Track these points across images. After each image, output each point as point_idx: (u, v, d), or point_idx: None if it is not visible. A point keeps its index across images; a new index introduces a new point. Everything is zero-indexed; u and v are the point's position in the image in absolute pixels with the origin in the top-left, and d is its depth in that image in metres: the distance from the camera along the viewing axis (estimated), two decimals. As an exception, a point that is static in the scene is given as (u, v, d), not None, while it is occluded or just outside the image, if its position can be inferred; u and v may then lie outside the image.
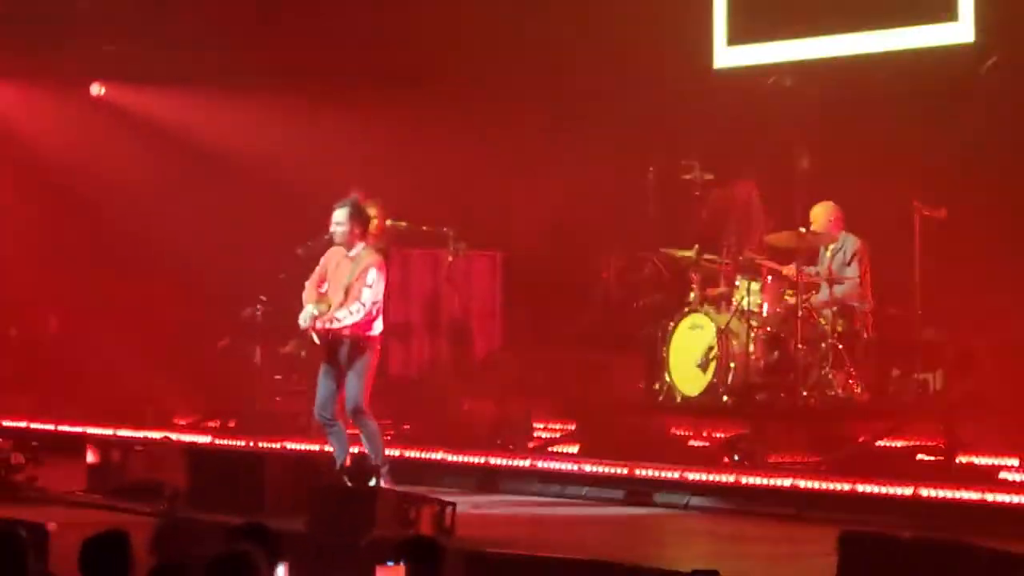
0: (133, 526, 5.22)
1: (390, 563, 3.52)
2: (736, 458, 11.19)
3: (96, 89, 16.97)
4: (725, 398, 11.68)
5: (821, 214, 11.50)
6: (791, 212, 12.05)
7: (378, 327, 10.19)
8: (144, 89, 16.86)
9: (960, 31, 12.75)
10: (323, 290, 10.45)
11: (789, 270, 11.68)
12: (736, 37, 14.18)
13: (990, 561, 6.36)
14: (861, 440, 11.50)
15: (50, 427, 13.99)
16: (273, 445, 12.19)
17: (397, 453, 11.49)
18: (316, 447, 11.81)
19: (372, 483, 9.67)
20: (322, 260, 10.34)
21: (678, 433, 12.73)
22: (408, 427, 12.82)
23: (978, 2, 12.63)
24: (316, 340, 10.49)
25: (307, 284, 10.29)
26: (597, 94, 14.57)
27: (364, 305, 9.97)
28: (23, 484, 11.21)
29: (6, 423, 13.93)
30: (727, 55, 14.11)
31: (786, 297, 11.65)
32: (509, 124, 14.51)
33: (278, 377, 13.71)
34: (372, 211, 10.86)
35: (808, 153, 11.84)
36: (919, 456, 11.46)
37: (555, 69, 14.55)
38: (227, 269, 14.92)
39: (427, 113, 14.75)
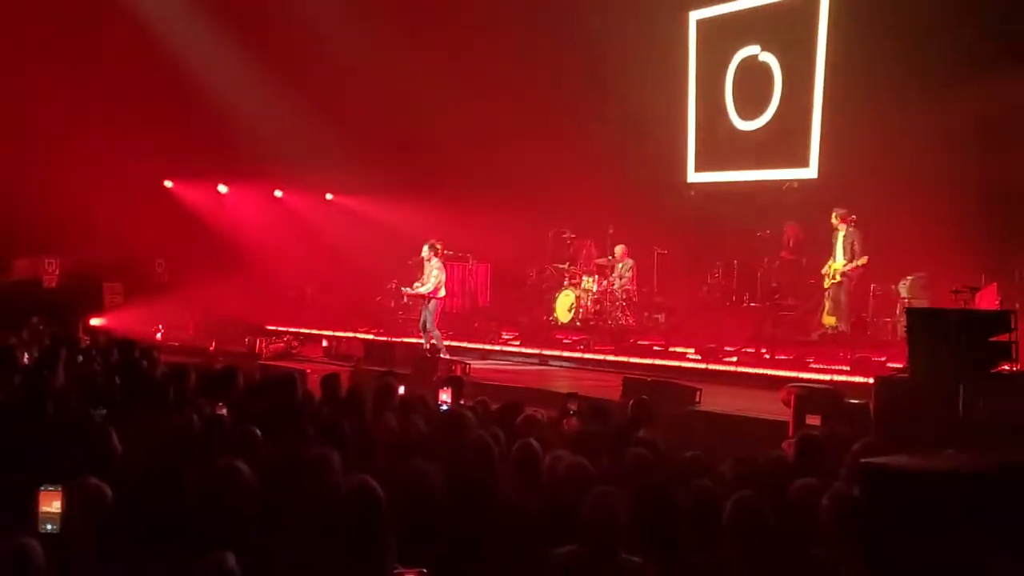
0: (342, 372, 9.38)
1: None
2: (582, 347, 16.98)
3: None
4: (578, 323, 17.87)
5: (619, 250, 17.69)
6: (607, 249, 17.92)
7: (441, 293, 16.00)
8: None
9: (809, 172, 17.18)
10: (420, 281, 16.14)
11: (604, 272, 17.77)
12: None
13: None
14: (632, 340, 16.85)
15: (307, 330, 19.28)
16: (401, 339, 17.49)
17: (447, 343, 16.43)
18: (419, 341, 16.43)
19: (438, 355, 15.19)
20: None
21: (559, 337, 17.85)
22: (451, 332, 17.59)
23: (821, 156, 16.85)
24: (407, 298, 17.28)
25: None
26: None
27: (432, 283, 15.87)
28: (297, 354, 17.30)
29: (291, 328, 19.12)
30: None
31: (603, 283, 17.78)
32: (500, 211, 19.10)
33: (401, 313, 18.99)
34: (436, 246, 16.20)
35: (613, 225, 17.70)
36: (644, 342, 16.68)
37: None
38: (381, 270, 20.04)
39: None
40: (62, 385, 8.52)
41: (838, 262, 15.06)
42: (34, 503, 4.00)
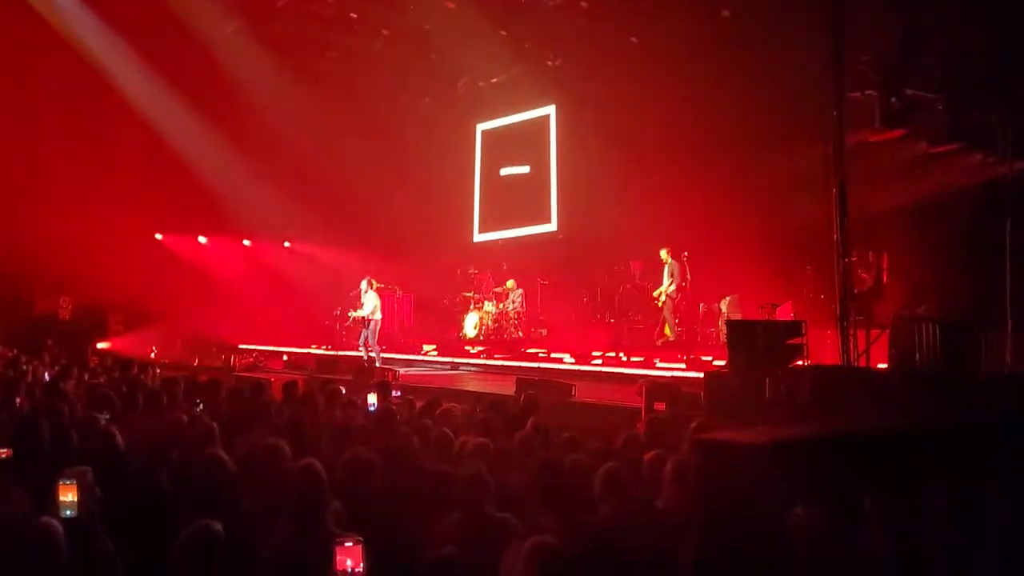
0: (299, 380, 9.29)
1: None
2: (484, 355, 16.75)
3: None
4: (481, 337, 17.84)
5: (511, 282, 17.80)
6: (502, 281, 18.15)
7: (377, 316, 15.60)
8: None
9: (552, 227, 18.15)
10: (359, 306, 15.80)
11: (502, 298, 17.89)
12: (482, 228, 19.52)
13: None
14: (521, 348, 16.40)
15: (271, 347, 19.14)
16: (344, 352, 17.21)
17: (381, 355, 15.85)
18: (358, 353, 15.82)
19: (374, 365, 14.81)
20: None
21: (468, 348, 17.59)
22: (384, 346, 16.85)
23: (560, 215, 17.93)
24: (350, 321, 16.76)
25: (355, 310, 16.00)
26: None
27: (369, 308, 15.53)
28: (263, 366, 17.06)
29: (259, 346, 19.17)
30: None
31: (499, 307, 17.91)
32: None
33: (344, 333, 18.61)
34: (372, 281, 15.85)
35: (506, 262, 18.02)
36: (531, 350, 16.45)
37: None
38: (328, 300, 19.88)
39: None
40: (74, 395, 8.31)
41: (663, 286, 15.23)
42: (54, 492, 3.88)
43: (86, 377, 10.49)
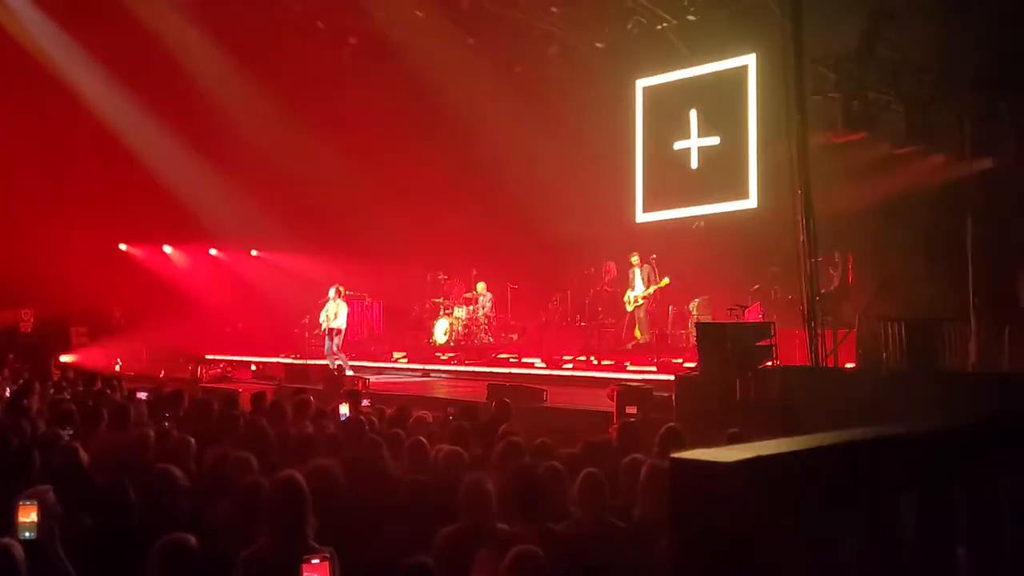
0: (268, 390, 9.27)
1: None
2: (455, 361, 16.62)
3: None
4: (451, 343, 17.56)
5: (480, 286, 17.47)
6: (471, 286, 17.81)
7: (343, 324, 15.46)
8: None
9: (749, 203, 15.19)
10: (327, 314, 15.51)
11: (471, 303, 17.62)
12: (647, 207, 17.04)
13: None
14: (492, 354, 16.50)
15: (238, 357, 18.63)
16: (313, 361, 16.85)
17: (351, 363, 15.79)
18: (327, 362, 15.42)
19: (344, 372, 14.76)
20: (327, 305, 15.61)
21: (438, 355, 17.41)
22: (354, 354, 16.83)
23: (759, 188, 14.99)
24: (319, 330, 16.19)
25: (322, 313, 15.63)
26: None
27: (342, 318, 15.38)
28: (231, 377, 16.73)
29: (226, 356, 18.56)
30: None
31: (469, 311, 17.63)
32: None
33: (313, 341, 18.18)
34: (340, 289, 15.74)
35: (476, 267, 18.01)
36: (502, 355, 16.27)
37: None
38: (296, 309, 19.67)
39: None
40: (37, 411, 8.12)
41: (637, 291, 15.21)
42: (14, 514, 3.82)
43: (50, 391, 10.25)
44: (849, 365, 9.72)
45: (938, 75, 11.69)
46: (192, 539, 3.53)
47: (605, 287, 16.65)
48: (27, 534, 3.77)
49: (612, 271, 16.62)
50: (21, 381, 11.30)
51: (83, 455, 5.25)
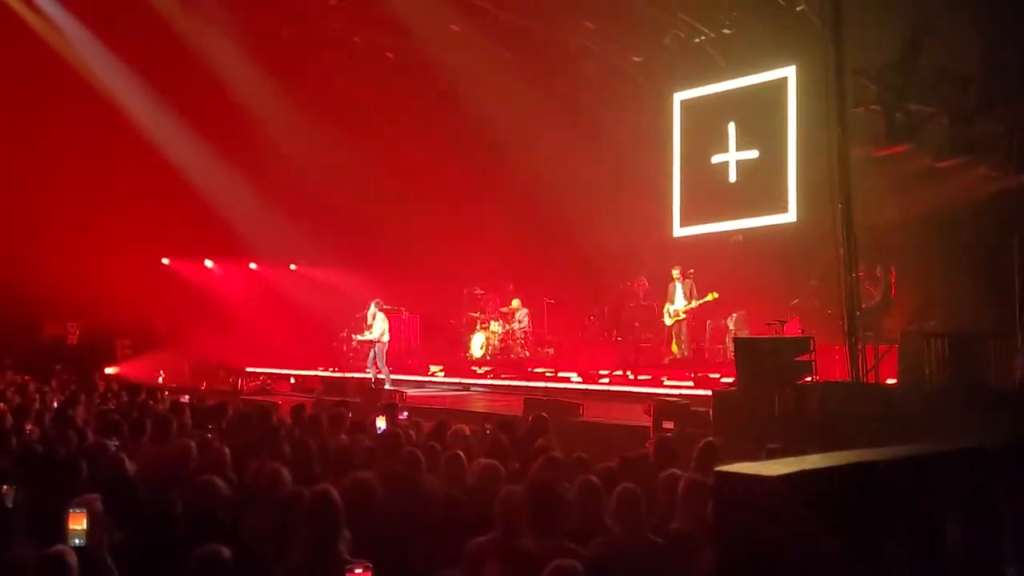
0: (307, 402, 9.47)
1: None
2: (492, 375, 16.56)
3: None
4: (488, 357, 17.63)
5: (516, 301, 17.46)
6: (508, 301, 17.79)
7: (386, 338, 15.69)
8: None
9: (788, 217, 15.13)
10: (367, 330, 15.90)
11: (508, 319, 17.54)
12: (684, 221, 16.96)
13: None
14: (529, 369, 16.34)
15: (278, 370, 18.61)
16: (351, 374, 17.06)
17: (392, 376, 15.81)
18: (366, 375, 15.80)
19: (382, 386, 14.81)
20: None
21: (475, 369, 17.40)
22: (392, 367, 16.28)
23: (799, 202, 14.94)
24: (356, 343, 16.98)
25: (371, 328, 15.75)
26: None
27: (378, 331, 15.54)
28: (271, 389, 16.77)
29: (266, 369, 18.60)
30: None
31: (505, 327, 17.57)
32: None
33: (351, 355, 18.60)
34: (379, 301, 15.88)
35: (512, 282, 17.88)
36: (538, 370, 16.11)
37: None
38: (335, 323, 19.85)
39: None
40: (83, 421, 8.23)
41: (678, 304, 15.10)
42: (64, 522, 3.92)
43: (96, 402, 10.43)
44: (890, 381, 9.54)
45: (982, 86, 11.50)
46: (225, 550, 3.54)
47: (640, 302, 16.59)
48: (77, 541, 3.85)
49: (644, 285, 16.54)
50: (68, 392, 11.47)
51: (129, 465, 5.33)
